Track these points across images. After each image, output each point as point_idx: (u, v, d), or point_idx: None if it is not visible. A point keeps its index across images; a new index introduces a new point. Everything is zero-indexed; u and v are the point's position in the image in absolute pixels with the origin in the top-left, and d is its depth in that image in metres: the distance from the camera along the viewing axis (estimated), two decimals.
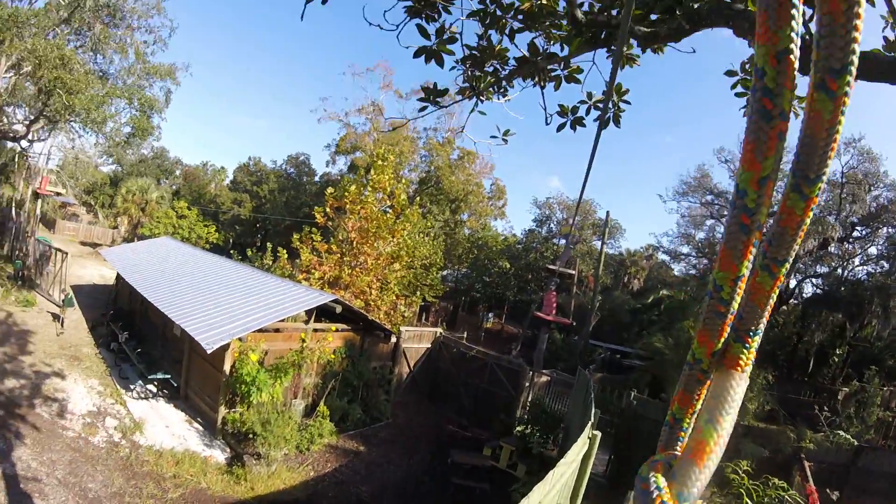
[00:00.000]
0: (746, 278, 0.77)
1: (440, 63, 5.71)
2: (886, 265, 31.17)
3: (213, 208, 55.50)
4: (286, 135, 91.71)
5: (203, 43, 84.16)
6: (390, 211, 23.76)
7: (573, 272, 32.21)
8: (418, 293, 26.15)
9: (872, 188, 30.98)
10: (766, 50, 0.65)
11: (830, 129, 0.64)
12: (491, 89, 6.61)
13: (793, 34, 0.64)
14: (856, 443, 16.41)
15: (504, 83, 6.59)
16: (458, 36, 5.65)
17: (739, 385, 0.77)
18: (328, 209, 23.27)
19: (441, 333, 21.30)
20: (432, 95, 6.47)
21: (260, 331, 13.39)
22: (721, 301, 0.78)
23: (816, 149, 0.66)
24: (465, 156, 43.36)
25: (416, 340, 20.49)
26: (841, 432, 17.27)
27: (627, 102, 6.41)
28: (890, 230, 31.17)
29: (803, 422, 19.83)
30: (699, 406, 0.82)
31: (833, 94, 0.62)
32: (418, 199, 34.67)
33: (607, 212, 32.59)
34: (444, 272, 49.72)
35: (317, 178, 56.06)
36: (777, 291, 0.77)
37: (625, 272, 52.78)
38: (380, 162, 23.70)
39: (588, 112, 6.64)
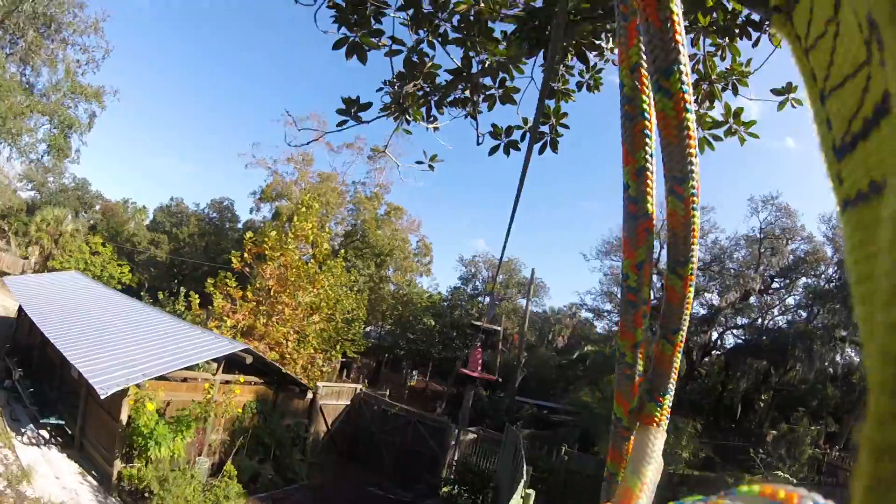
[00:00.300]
0: (648, 344, 0.87)
1: (363, 59, 5.12)
2: (804, 313, 32.60)
3: (129, 247, 52.13)
4: (211, 178, 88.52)
5: (137, 73, 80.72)
6: (312, 261, 22.72)
7: (498, 328, 31.93)
8: (338, 347, 24.85)
9: (790, 241, 32.63)
10: (629, 169, 0.80)
11: (686, 223, 0.76)
12: (420, 111, 6.09)
13: (647, 156, 0.78)
14: (794, 481, 16.34)
15: (434, 108, 6.10)
16: (383, 29, 5.11)
17: (657, 438, 0.83)
18: (247, 255, 21.98)
19: (361, 390, 20.13)
20: (354, 109, 5.79)
21: (162, 378, 12.06)
22: (627, 365, 0.87)
23: (679, 239, 0.78)
24: (392, 210, 42.96)
25: (335, 397, 19.20)
26: (779, 472, 17.23)
27: (565, 126, 6.05)
28: (807, 280, 32.74)
29: (737, 466, 19.80)
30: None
31: (681, 197, 0.75)
32: (343, 252, 33.73)
33: (532, 269, 32.86)
34: (368, 328, 48.38)
35: (240, 225, 53.92)
36: (679, 355, 0.85)
37: (549, 329, 53.11)
38: (304, 209, 22.79)
39: (523, 138, 6.22)
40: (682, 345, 0.86)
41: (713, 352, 34.80)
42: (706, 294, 36.85)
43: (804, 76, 0.35)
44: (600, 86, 6.02)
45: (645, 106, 0.77)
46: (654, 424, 0.85)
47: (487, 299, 47.24)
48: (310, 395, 17.96)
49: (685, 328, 0.84)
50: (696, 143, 0.73)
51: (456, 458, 17.61)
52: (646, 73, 0.77)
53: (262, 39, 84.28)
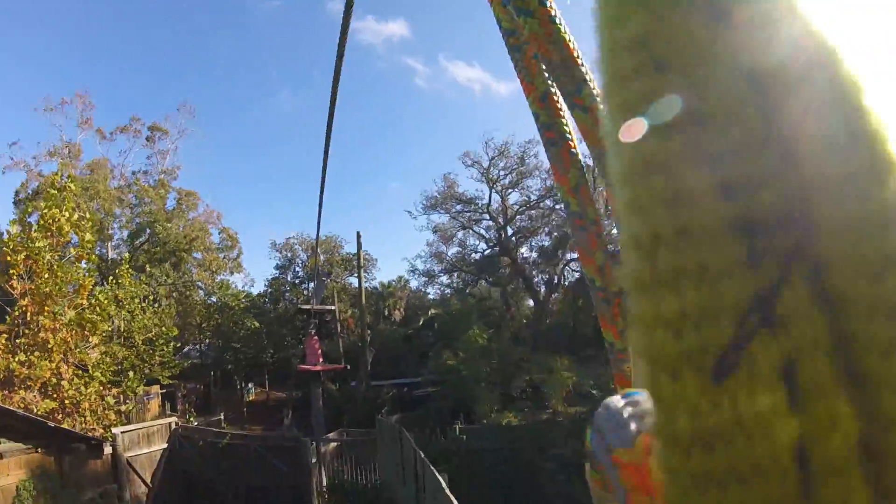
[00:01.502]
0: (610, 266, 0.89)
1: None
2: None
3: None
4: None
5: None
6: (77, 261, 16.92)
7: (332, 307, 27.89)
8: (135, 376, 19.33)
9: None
10: (565, 188, 0.86)
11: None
12: None
13: (578, 174, 0.84)
14: None
15: None
16: None
17: None
18: None
19: (178, 424, 15.22)
20: None
21: None
22: (599, 289, 0.89)
23: (601, 150, 0.78)
24: (183, 198, 36.28)
25: (145, 442, 14.22)
26: None
27: None
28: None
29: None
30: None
31: (584, 108, 0.78)
32: (128, 257, 27.36)
33: (357, 233, 28.94)
34: (185, 348, 41.72)
35: None
36: None
37: (384, 306, 50.17)
38: (53, 191, 16.68)
39: None
40: None
41: (559, 288, 34.28)
42: (541, 234, 36.27)
43: None
44: None
45: (565, 129, 0.84)
46: None
47: (313, 285, 42.69)
48: (108, 449, 12.93)
49: None
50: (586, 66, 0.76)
51: (325, 480, 13.67)
52: (557, 98, 0.82)
53: None
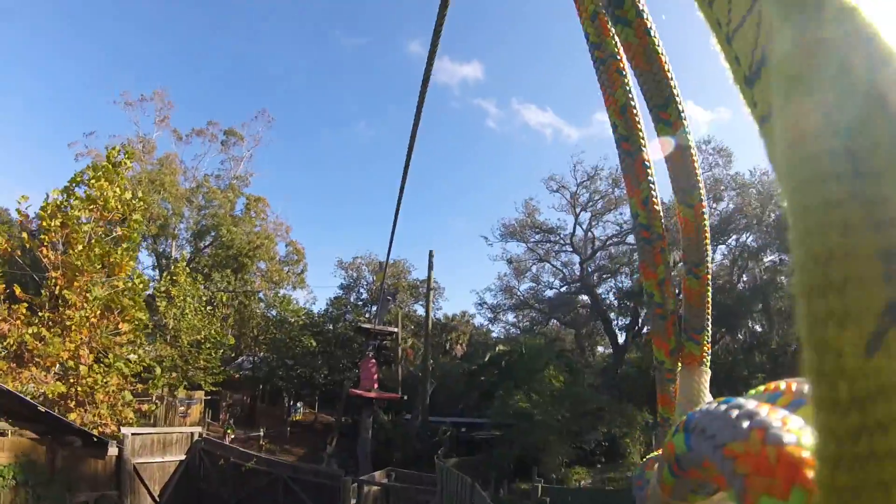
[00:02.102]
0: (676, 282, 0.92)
1: None
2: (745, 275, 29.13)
3: None
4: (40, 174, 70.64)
5: None
6: (122, 240, 15.14)
7: (394, 330, 25.36)
8: (159, 372, 17.34)
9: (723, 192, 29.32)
10: (636, 200, 0.85)
11: (699, 228, 0.86)
12: None
13: (650, 185, 0.84)
14: None
15: None
16: None
17: (702, 377, 0.85)
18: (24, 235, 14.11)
19: (201, 435, 12.89)
20: None
21: None
22: (657, 305, 0.89)
23: (692, 244, 0.87)
24: (252, 203, 35.08)
25: (159, 450, 11.97)
26: None
27: None
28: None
29: None
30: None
31: (690, 206, 0.84)
32: (184, 255, 26.05)
33: (430, 251, 26.35)
34: (240, 358, 40.37)
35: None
36: (709, 289, 0.90)
37: (446, 338, 47.43)
38: (108, 164, 15.07)
39: None
40: (710, 277, 0.90)
41: (640, 334, 30.58)
42: (622, 274, 32.77)
43: (710, 24, 0.39)
44: None
45: (641, 141, 0.82)
46: (696, 363, 0.87)
47: (376, 308, 40.55)
48: (114, 450, 10.74)
49: (708, 259, 0.89)
50: (698, 160, 0.83)
51: None
52: (636, 111, 0.82)
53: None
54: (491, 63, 79.40)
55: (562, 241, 33.57)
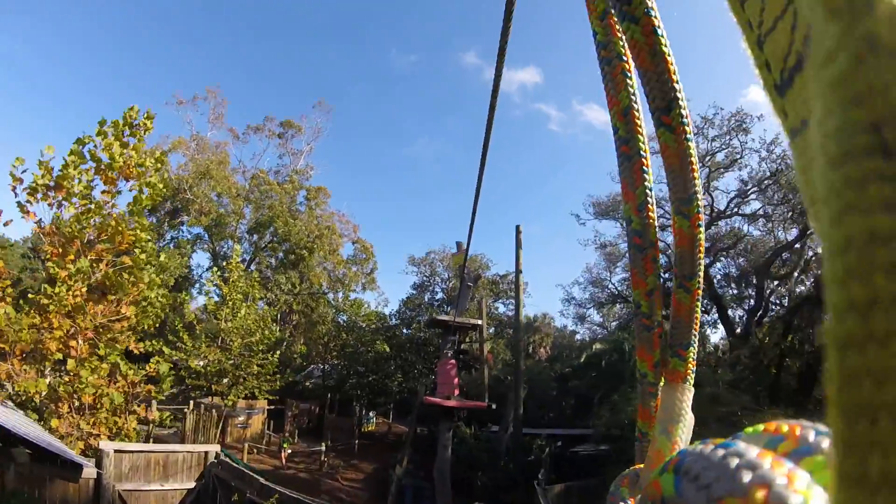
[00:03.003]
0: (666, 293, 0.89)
1: None
2: None
3: None
4: None
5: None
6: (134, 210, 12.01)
7: (478, 322, 21.62)
8: (163, 369, 14.07)
9: None
10: (630, 205, 0.85)
11: (694, 240, 0.82)
12: None
13: (647, 192, 0.83)
14: None
15: None
16: None
17: (684, 395, 0.82)
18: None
19: (218, 455, 9.48)
20: None
21: None
22: (644, 315, 0.87)
23: (686, 256, 0.83)
24: (312, 193, 32.26)
25: (158, 474, 8.62)
26: None
27: None
28: None
29: None
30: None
31: (687, 216, 0.80)
32: (237, 248, 23.32)
33: (517, 227, 22.16)
34: (310, 367, 38.00)
35: None
36: (698, 304, 0.87)
37: (529, 341, 43.23)
38: (119, 122, 12.03)
39: None
40: (700, 292, 0.87)
41: (764, 318, 25.33)
42: (733, 255, 27.34)
43: (742, 26, 0.37)
44: None
45: (641, 145, 0.82)
46: (680, 380, 0.84)
47: (451, 308, 36.89)
48: (90, 472, 7.52)
49: (700, 273, 0.85)
50: (698, 169, 0.79)
51: None
52: (638, 115, 0.82)
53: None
54: (548, 67, 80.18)
55: (666, 216, 28.53)
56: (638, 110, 0.81)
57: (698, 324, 0.87)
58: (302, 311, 34.51)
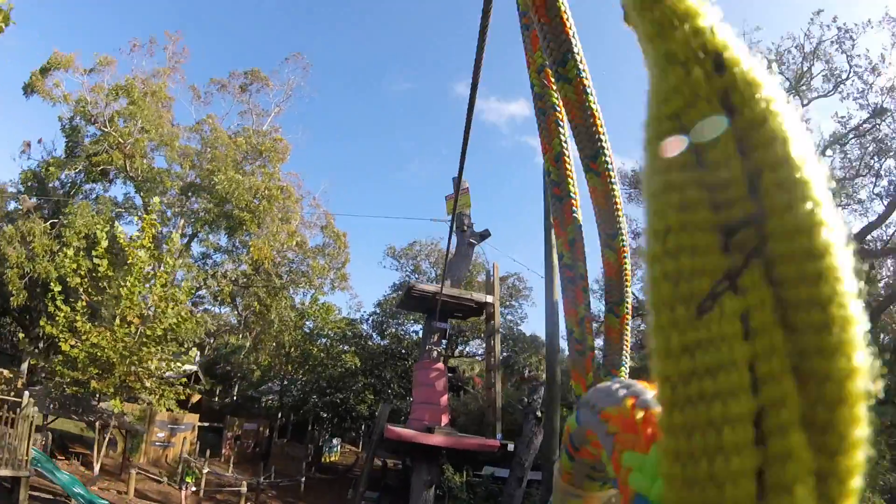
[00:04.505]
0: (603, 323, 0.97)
1: None
2: None
3: None
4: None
5: None
6: None
7: (486, 299, 13.43)
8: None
9: None
10: (562, 240, 0.91)
11: (620, 270, 0.87)
12: None
13: (577, 229, 0.89)
14: None
15: None
16: None
17: None
18: None
19: None
20: None
21: None
22: (576, 341, 0.93)
23: (614, 285, 0.90)
24: (266, 149, 25.50)
25: None
26: None
27: None
28: None
29: None
30: None
31: (614, 249, 0.86)
32: (153, 204, 16.76)
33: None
34: (268, 382, 32.59)
35: None
36: (628, 328, 0.94)
37: (524, 363, 36.52)
38: None
39: None
40: (629, 317, 0.92)
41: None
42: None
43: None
44: None
45: (571, 188, 0.89)
46: None
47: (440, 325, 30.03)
48: None
49: (629, 300, 0.90)
50: (622, 208, 0.84)
51: None
52: (569, 160, 0.89)
53: None
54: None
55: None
56: (569, 157, 0.88)
57: (628, 346, 0.93)
58: (252, 306, 27.73)
